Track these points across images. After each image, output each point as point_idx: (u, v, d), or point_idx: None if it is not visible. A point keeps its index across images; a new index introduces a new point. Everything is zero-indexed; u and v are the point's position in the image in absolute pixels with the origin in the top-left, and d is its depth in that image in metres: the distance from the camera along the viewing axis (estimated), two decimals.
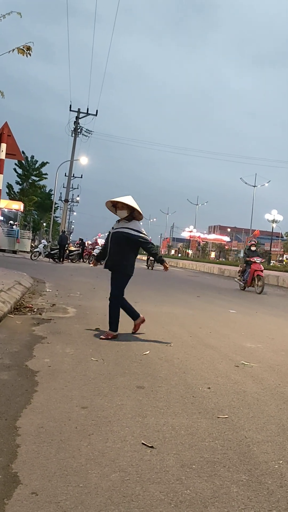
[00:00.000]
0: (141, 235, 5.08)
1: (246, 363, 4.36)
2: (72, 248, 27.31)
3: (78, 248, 27.78)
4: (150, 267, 25.44)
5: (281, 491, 2.00)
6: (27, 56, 7.12)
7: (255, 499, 1.92)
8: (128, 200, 5.15)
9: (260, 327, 6.97)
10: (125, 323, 5.99)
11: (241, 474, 2.13)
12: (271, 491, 1.99)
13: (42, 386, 3.14)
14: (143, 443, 2.36)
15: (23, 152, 40.48)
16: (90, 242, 49.98)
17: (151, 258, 26.44)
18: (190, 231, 78.83)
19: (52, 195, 43.94)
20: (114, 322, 5.06)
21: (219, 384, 3.59)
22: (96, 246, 28.66)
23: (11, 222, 32.40)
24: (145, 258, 31.86)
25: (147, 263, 26.45)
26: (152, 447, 2.33)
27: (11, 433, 2.34)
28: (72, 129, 35.16)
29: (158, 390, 3.29)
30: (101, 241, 46.73)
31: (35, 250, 25.05)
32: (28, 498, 1.78)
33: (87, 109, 35.42)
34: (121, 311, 5.22)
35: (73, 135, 35.07)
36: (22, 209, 33.11)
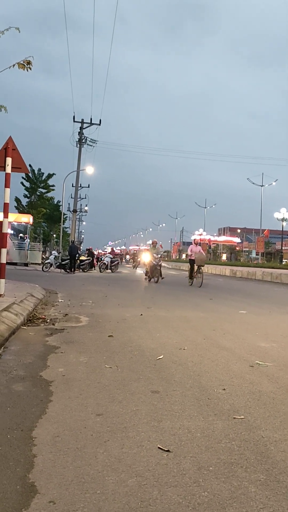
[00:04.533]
0: None
1: (260, 362, 4.33)
2: (83, 258, 27.42)
3: (88, 258, 27.89)
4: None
5: None
6: (27, 70, 7.20)
7: (273, 498, 1.91)
8: None
9: (274, 327, 6.92)
10: (138, 328, 6.00)
11: (259, 474, 2.11)
12: None
13: (57, 395, 3.15)
14: (159, 448, 2.35)
15: (29, 165, 40.87)
16: (102, 252, 49.98)
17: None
18: (200, 234, 78.59)
19: (61, 206, 44.23)
20: None
21: (234, 385, 3.57)
22: (107, 254, 28.69)
23: (21, 235, 32.62)
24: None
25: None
26: (168, 451, 2.32)
27: (27, 443, 2.35)
28: (77, 140, 35.39)
29: (173, 394, 3.28)
30: (117, 250, 46.28)
31: (46, 261, 25.21)
32: (46, 507, 1.78)
33: (91, 119, 35.67)
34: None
35: (78, 145, 35.30)
36: (31, 221, 33.34)
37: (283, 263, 48.94)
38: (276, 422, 2.80)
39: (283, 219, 45.47)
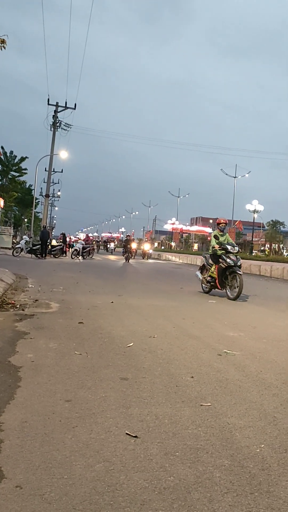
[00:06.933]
0: None
1: (228, 351, 4.41)
2: (55, 243, 27.15)
3: (60, 243, 27.64)
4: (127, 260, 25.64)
5: (263, 474, 2.05)
6: (1, 49, 7.02)
7: (237, 483, 1.96)
8: None
9: (243, 316, 7.05)
10: (108, 316, 6.01)
11: (223, 459, 2.17)
12: (252, 475, 2.04)
13: (26, 381, 3.14)
14: (127, 433, 2.38)
15: (1, 147, 39.94)
16: (74, 238, 48.46)
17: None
18: (173, 223, 79.01)
19: (33, 190, 43.44)
20: None
21: (202, 373, 3.63)
22: (80, 241, 28.52)
23: None
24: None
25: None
26: (136, 436, 2.35)
27: None
28: (51, 123, 34.77)
29: (142, 381, 3.31)
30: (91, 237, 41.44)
31: (17, 246, 24.84)
32: (12, 491, 1.78)
33: (66, 102, 35.03)
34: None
35: (52, 129, 34.70)
36: (2, 205, 32.71)
37: (253, 254, 49.74)
38: (241, 409, 2.87)
39: (254, 211, 46.08)
